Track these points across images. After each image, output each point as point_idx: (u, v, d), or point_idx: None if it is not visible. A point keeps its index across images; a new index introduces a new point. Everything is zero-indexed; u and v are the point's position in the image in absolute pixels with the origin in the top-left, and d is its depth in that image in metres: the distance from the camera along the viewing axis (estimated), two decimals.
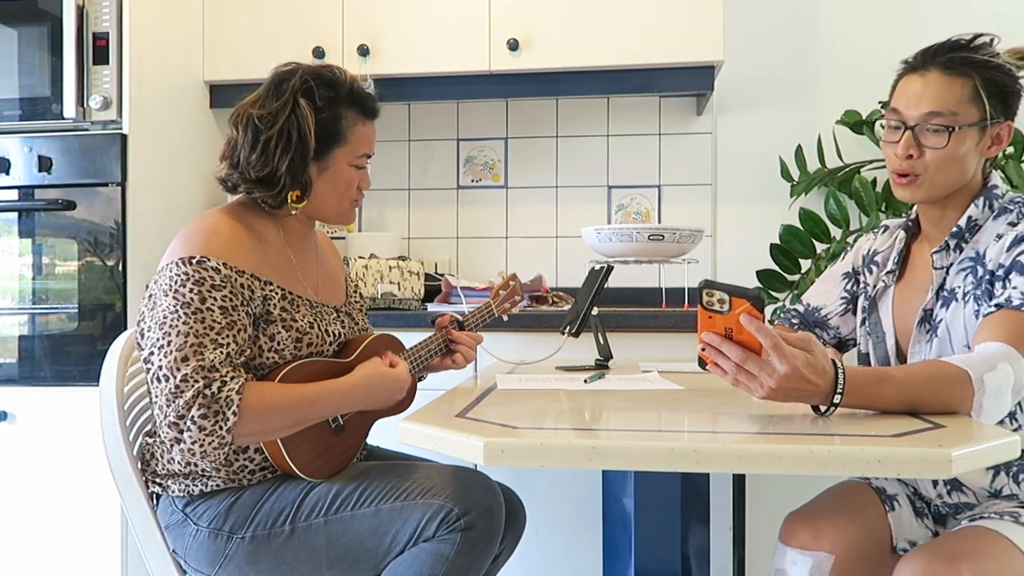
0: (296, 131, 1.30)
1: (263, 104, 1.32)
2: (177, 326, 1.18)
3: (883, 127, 1.28)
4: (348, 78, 1.37)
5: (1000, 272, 1.18)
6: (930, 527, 1.33)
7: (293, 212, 1.37)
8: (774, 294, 2.48)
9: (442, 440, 0.92)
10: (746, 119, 2.58)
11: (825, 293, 1.50)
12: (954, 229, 1.26)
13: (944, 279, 1.27)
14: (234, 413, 1.15)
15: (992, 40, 1.23)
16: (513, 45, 2.29)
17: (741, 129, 2.58)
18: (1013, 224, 1.21)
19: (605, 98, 2.63)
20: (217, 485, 1.29)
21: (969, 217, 1.25)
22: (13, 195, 2.07)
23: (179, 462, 1.28)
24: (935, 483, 1.28)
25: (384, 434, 1.57)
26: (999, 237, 1.21)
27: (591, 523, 2.05)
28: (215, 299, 1.21)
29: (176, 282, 1.21)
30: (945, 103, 1.20)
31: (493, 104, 2.67)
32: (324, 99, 1.32)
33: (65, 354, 2.04)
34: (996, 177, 1.28)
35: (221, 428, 1.15)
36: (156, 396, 1.17)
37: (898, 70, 1.29)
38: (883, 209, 2.35)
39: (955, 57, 1.21)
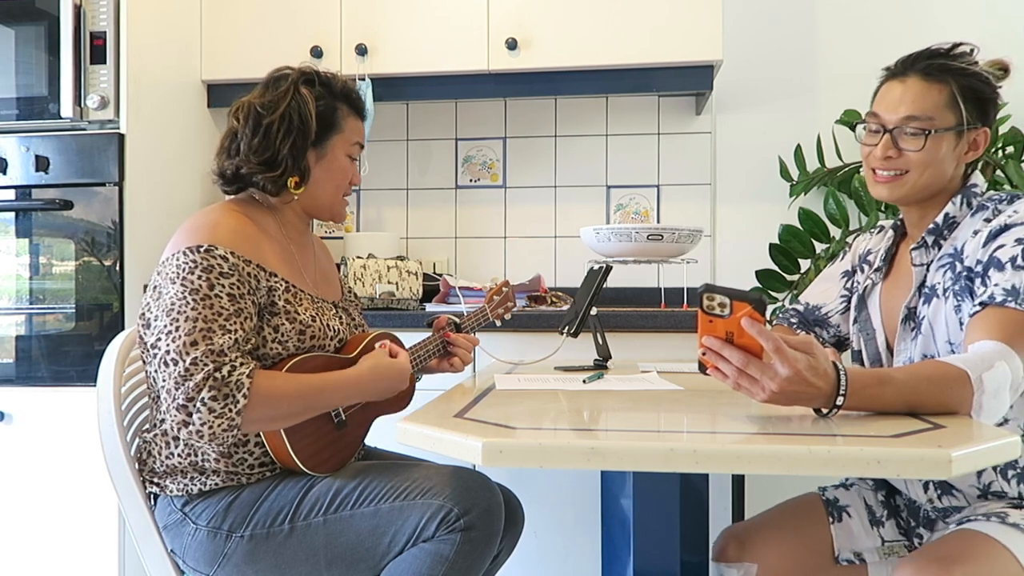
0: (298, 115, 1.36)
1: (264, 95, 1.39)
2: (185, 312, 1.19)
3: (864, 130, 1.32)
4: (341, 80, 1.46)
5: (979, 268, 1.19)
6: (883, 535, 1.35)
7: (295, 197, 1.41)
8: (773, 294, 2.48)
9: (441, 440, 0.92)
10: (745, 119, 2.57)
11: (825, 292, 1.51)
12: (931, 226, 1.28)
13: (925, 276, 1.28)
14: (244, 396, 1.16)
15: (972, 50, 1.27)
16: (511, 44, 2.28)
17: (740, 129, 2.58)
18: (989, 220, 1.22)
19: (604, 97, 2.62)
20: (216, 484, 1.29)
21: (946, 214, 1.27)
22: (10, 195, 2.06)
23: (180, 454, 1.28)
24: (926, 488, 1.28)
25: (383, 434, 1.57)
26: (976, 233, 1.22)
27: (590, 524, 2.05)
28: (223, 286, 1.23)
29: (184, 269, 1.22)
30: (923, 108, 1.24)
31: (491, 104, 2.67)
32: (323, 90, 1.40)
33: (62, 354, 2.04)
34: (977, 176, 1.30)
35: (231, 410, 1.15)
36: (164, 380, 1.17)
37: (879, 77, 1.33)
38: (882, 209, 2.35)
39: (934, 64, 1.25)
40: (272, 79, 1.41)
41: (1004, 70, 1.28)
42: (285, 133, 1.35)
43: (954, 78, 1.24)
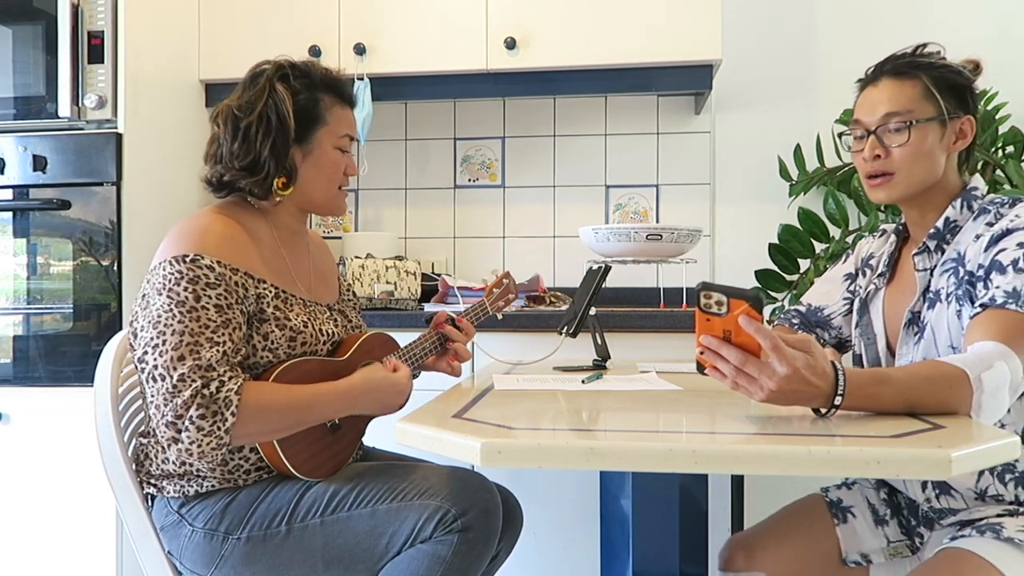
0: (275, 114, 1.32)
1: (240, 96, 1.35)
2: (172, 325, 1.17)
3: (852, 140, 1.34)
4: (321, 67, 1.39)
5: (980, 272, 1.18)
6: (888, 535, 1.35)
7: (279, 200, 1.37)
8: (773, 294, 2.48)
9: (439, 441, 0.92)
10: (744, 118, 2.57)
11: (827, 294, 1.51)
12: (932, 230, 1.28)
13: (929, 281, 1.28)
14: (232, 414, 1.15)
15: (939, 51, 1.30)
16: (510, 44, 2.28)
17: (739, 128, 2.57)
18: (991, 224, 1.22)
19: (603, 97, 2.62)
20: (212, 486, 1.28)
21: (947, 218, 1.27)
22: (8, 194, 2.06)
23: (174, 462, 1.28)
24: (923, 487, 1.28)
25: (381, 434, 1.56)
26: (978, 238, 1.22)
27: (589, 524, 2.04)
28: (210, 297, 1.20)
29: (170, 280, 1.20)
30: (899, 103, 1.26)
31: (490, 103, 2.67)
32: (300, 83, 1.35)
33: (60, 354, 2.03)
34: (977, 179, 1.30)
35: (219, 428, 1.14)
36: (152, 396, 1.16)
37: (855, 89, 1.35)
38: (882, 209, 2.35)
39: (901, 63, 1.29)
40: (249, 78, 1.36)
41: (976, 67, 1.30)
42: (264, 134, 1.31)
43: (924, 72, 1.26)
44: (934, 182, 1.28)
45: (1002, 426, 1.21)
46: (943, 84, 1.26)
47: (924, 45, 1.30)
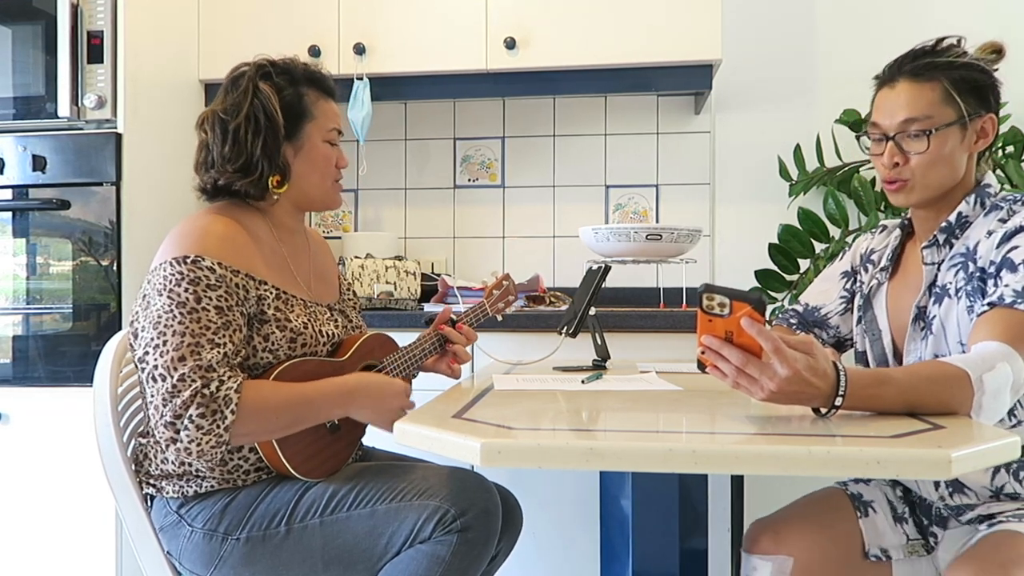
0: (263, 113, 1.32)
1: (224, 100, 1.35)
2: (172, 326, 1.17)
3: (870, 140, 1.31)
4: (301, 63, 1.40)
5: (991, 269, 1.18)
6: (908, 532, 1.34)
7: (275, 197, 1.37)
8: (773, 294, 2.48)
9: (439, 441, 0.92)
10: (744, 118, 2.57)
11: (824, 292, 1.51)
12: (943, 224, 1.27)
13: (936, 275, 1.27)
14: (232, 412, 1.15)
15: (959, 40, 1.26)
16: (510, 44, 2.28)
17: (739, 128, 2.57)
18: (1003, 221, 1.22)
19: (603, 97, 2.62)
20: (212, 486, 1.28)
21: (959, 213, 1.26)
22: (7, 195, 2.06)
23: (173, 462, 1.28)
24: (936, 485, 1.27)
25: (380, 435, 1.56)
26: (990, 234, 1.21)
27: (589, 524, 2.04)
28: (210, 299, 1.20)
29: (171, 281, 1.20)
30: (918, 108, 1.23)
31: (490, 103, 2.67)
32: (283, 80, 1.36)
33: (59, 354, 2.03)
34: (990, 176, 1.29)
35: (219, 427, 1.14)
36: (152, 396, 1.16)
37: (872, 85, 1.32)
38: (882, 208, 2.35)
39: (920, 64, 1.25)
40: (230, 81, 1.36)
41: (997, 52, 1.26)
42: (254, 134, 1.31)
43: (944, 74, 1.23)
44: (954, 184, 1.27)
45: (1016, 423, 1.21)
46: (963, 85, 1.23)
47: (943, 39, 1.26)
